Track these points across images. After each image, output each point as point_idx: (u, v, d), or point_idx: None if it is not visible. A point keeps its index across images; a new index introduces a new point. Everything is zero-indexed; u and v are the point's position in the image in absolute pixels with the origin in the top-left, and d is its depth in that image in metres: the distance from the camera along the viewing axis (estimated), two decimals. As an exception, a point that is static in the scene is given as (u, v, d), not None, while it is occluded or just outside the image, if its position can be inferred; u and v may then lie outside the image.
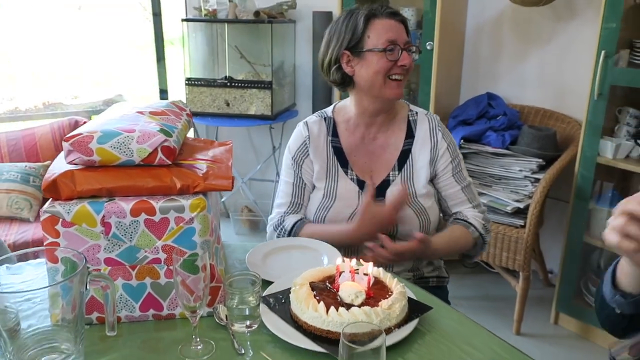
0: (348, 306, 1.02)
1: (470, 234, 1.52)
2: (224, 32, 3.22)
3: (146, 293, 1.06)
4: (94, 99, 4.24)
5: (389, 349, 0.93)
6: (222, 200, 3.52)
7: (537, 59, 2.81)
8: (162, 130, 1.06)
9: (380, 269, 1.15)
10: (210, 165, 1.11)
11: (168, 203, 1.01)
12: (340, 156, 1.56)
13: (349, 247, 1.48)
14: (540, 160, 2.48)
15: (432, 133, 1.54)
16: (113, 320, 0.95)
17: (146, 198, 1.02)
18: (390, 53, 1.44)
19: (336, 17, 1.56)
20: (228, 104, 3.11)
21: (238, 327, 1.04)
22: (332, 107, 1.63)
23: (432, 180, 1.56)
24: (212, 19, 3.04)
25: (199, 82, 3.12)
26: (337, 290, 1.07)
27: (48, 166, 2.72)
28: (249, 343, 1.02)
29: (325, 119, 1.59)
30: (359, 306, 1.02)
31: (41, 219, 0.99)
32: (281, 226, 1.56)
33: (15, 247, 2.33)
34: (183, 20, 3.15)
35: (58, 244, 1.00)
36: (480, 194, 2.49)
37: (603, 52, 2.15)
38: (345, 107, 1.59)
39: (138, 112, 1.16)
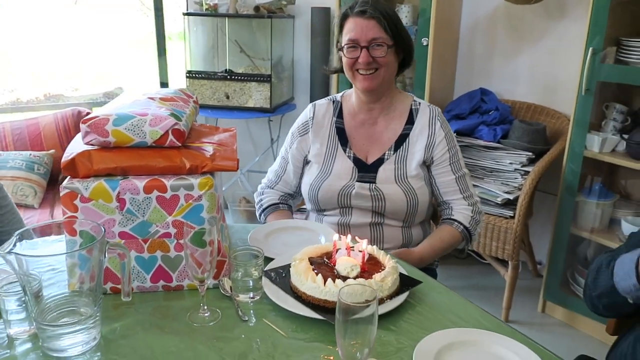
0: (344, 278, 1.10)
1: (454, 230, 1.61)
2: (224, 26, 3.29)
3: (157, 265, 1.14)
4: (94, 91, 4.30)
5: (382, 317, 1.02)
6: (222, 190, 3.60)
7: (529, 56, 2.90)
8: (172, 115, 1.14)
9: (374, 246, 1.23)
10: (217, 148, 1.19)
11: (178, 181, 1.09)
12: (342, 136, 1.67)
13: (345, 227, 1.62)
14: (530, 153, 2.57)
15: (431, 122, 1.63)
16: (128, 287, 1.02)
17: (158, 177, 1.10)
18: (351, 50, 1.55)
19: None
20: (228, 97, 3.18)
21: (242, 297, 1.12)
22: (341, 93, 1.75)
23: (429, 166, 1.64)
24: (213, 13, 3.11)
25: (200, 75, 3.19)
26: (334, 265, 1.15)
27: (52, 155, 2.80)
28: (252, 311, 1.10)
29: (333, 102, 1.72)
30: (354, 278, 1.10)
31: (61, 194, 1.07)
32: (260, 198, 1.78)
33: (21, 232, 2.40)
34: (185, 14, 3.22)
35: (76, 218, 1.07)
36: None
37: (591, 49, 2.24)
38: (351, 94, 1.72)
39: (149, 98, 1.24)
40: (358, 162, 1.63)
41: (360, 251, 1.17)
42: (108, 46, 6.12)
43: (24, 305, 0.98)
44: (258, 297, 1.13)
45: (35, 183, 2.72)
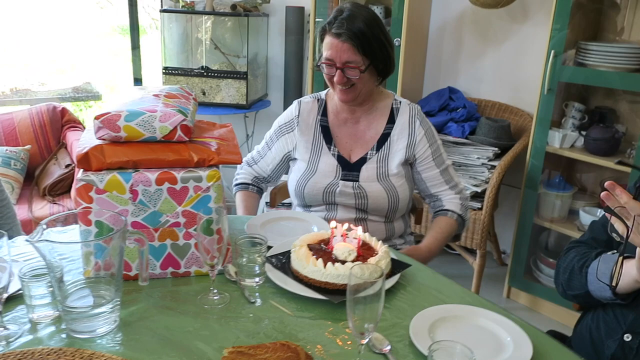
0: (342, 262, 1.20)
1: (450, 218, 1.72)
2: (200, 23, 3.34)
3: (166, 253, 1.21)
4: (62, 86, 4.25)
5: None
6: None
7: (494, 57, 3.06)
8: (179, 111, 1.22)
9: (367, 233, 1.33)
10: (220, 143, 1.27)
11: (188, 174, 1.17)
12: (327, 134, 1.74)
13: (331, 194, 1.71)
14: (496, 149, 2.73)
15: (411, 121, 1.70)
16: (146, 272, 1.10)
17: (168, 169, 1.17)
18: (328, 67, 1.61)
19: None
20: (204, 93, 3.23)
21: (248, 282, 1.21)
22: (326, 91, 1.81)
23: (412, 164, 1.72)
24: (190, 10, 3.15)
25: (176, 72, 3.23)
26: (332, 250, 1.25)
27: (28, 150, 2.80)
28: (257, 294, 1.19)
29: (318, 100, 1.79)
30: (352, 262, 1.20)
31: (76, 186, 1.13)
32: (237, 173, 1.89)
33: None
34: (161, 11, 3.25)
35: (91, 209, 1.14)
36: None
37: (552, 51, 2.40)
38: (334, 93, 1.74)
39: (154, 95, 1.30)
40: (342, 161, 1.71)
41: (355, 238, 1.27)
42: (67, 39, 6.01)
43: (50, 289, 1.04)
44: (262, 282, 1.22)
45: (12, 179, 2.71)
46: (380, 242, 1.30)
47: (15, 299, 1.10)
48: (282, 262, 1.28)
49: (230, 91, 3.23)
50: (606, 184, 1.00)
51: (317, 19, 3.03)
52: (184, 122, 1.20)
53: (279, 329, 1.07)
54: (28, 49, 5.26)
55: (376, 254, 1.25)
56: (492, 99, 3.07)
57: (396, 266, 1.27)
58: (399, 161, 1.69)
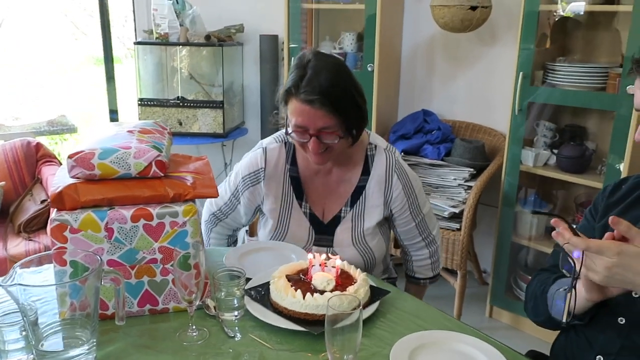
0: (321, 292, 1.20)
1: (423, 287, 1.77)
2: (174, 53, 3.35)
3: (143, 290, 1.20)
4: (37, 119, 4.21)
5: (358, 325, 1.12)
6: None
7: (466, 79, 3.13)
8: (154, 147, 1.22)
9: (345, 262, 1.34)
10: (196, 177, 1.27)
11: (164, 209, 1.16)
12: (297, 186, 1.59)
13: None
14: (472, 169, 2.77)
15: (388, 173, 1.55)
16: (123, 311, 1.08)
17: (144, 206, 1.17)
18: (299, 134, 1.43)
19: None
20: (180, 123, 3.23)
21: (227, 316, 1.20)
22: None
23: (387, 218, 1.62)
24: (164, 42, 3.17)
25: (152, 103, 3.23)
26: (310, 280, 1.25)
27: (2, 186, 2.76)
28: (237, 328, 1.18)
29: (285, 144, 1.59)
30: (330, 291, 1.20)
31: (50, 226, 1.12)
32: (208, 237, 1.74)
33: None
34: (135, 43, 3.26)
35: (66, 249, 1.12)
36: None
37: (521, 73, 2.46)
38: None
39: (128, 131, 1.30)
40: (314, 221, 1.58)
41: (333, 267, 1.27)
42: (40, 71, 5.98)
43: (24, 333, 1.02)
44: (241, 315, 1.21)
45: (-15, 216, 2.66)
46: (359, 270, 1.30)
47: (-12, 345, 1.07)
48: (262, 294, 1.27)
49: (207, 120, 3.24)
50: (552, 221, 1.03)
51: (290, 45, 3.07)
52: (159, 158, 1.20)
53: (259, 363, 1.06)
54: (1, 83, 5.22)
55: (355, 282, 1.26)
56: (465, 119, 3.12)
57: (375, 293, 1.27)
58: (375, 221, 1.57)
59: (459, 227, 2.68)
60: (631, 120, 2.16)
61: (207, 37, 3.15)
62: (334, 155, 1.49)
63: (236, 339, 1.15)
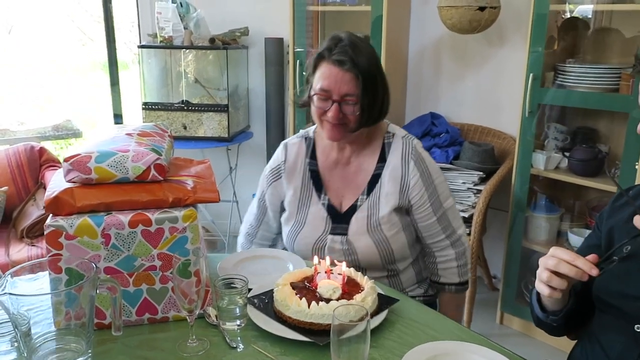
0: (327, 300, 1.15)
1: (449, 294, 1.64)
2: (178, 57, 3.32)
3: (142, 298, 1.15)
4: (42, 124, 4.20)
5: (365, 335, 1.07)
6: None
7: (474, 81, 3.07)
8: (153, 150, 1.18)
9: (352, 268, 1.29)
10: (197, 180, 1.23)
11: (163, 215, 1.12)
12: (317, 179, 1.59)
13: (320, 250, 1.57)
14: (481, 173, 2.71)
15: (404, 160, 1.52)
16: (119, 320, 1.04)
17: (142, 211, 1.12)
18: (321, 100, 1.45)
19: None
20: (185, 127, 3.20)
21: (229, 325, 1.15)
22: (314, 127, 1.62)
23: (408, 210, 1.55)
24: (168, 45, 3.14)
25: (156, 107, 3.20)
26: (316, 288, 1.20)
27: (5, 191, 2.73)
28: (239, 338, 1.13)
29: (306, 139, 1.63)
30: (337, 300, 1.15)
31: (45, 232, 1.08)
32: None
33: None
34: (139, 46, 3.23)
35: (61, 256, 1.08)
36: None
37: (531, 74, 2.41)
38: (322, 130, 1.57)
39: (127, 134, 1.26)
40: (332, 211, 1.56)
41: (339, 274, 1.22)
42: (47, 77, 6.00)
43: (15, 344, 0.98)
44: (244, 324, 1.17)
45: (-12, 222, 2.64)
46: (366, 277, 1.25)
47: (-20, 356, 1.03)
48: (265, 302, 1.23)
49: (211, 124, 3.20)
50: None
51: (296, 49, 3.03)
52: (158, 161, 1.16)
53: (262, 376, 1.01)
54: (7, 88, 5.22)
55: (362, 290, 1.21)
56: (474, 122, 3.06)
57: (383, 301, 1.22)
58: (390, 208, 1.51)
59: (468, 232, 2.62)
60: (646, 122, 2.10)
61: (212, 40, 3.12)
62: (349, 135, 1.49)
63: (238, 349, 1.10)
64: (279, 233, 1.71)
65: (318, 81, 1.45)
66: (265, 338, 1.13)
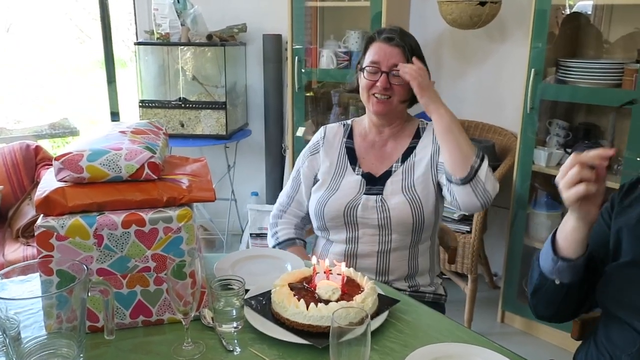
0: (326, 302, 1.12)
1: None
2: (176, 54, 3.29)
3: (136, 300, 1.12)
4: (38, 123, 4.17)
5: (365, 337, 1.04)
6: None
7: (475, 77, 3.04)
8: (147, 148, 1.14)
9: (351, 269, 1.26)
10: (192, 179, 1.19)
11: (157, 214, 1.09)
12: (352, 155, 1.71)
13: (352, 258, 1.64)
14: (482, 170, 2.68)
15: (435, 138, 1.63)
16: (112, 324, 1.01)
17: (135, 210, 1.09)
18: (370, 73, 1.61)
19: None
20: (182, 125, 3.16)
21: (226, 327, 1.12)
22: (352, 119, 1.82)
23: (437, 167, 1.62)
24: (165, 42, 3.10)
25: (153, 104, 3.16)
26: (315, 289, 1.17)
27: (0, 191, 2.70)
28: (236, 341, 1.10)
29: (344, 125, 1.79)
30: (336, 301, 1.12)
31: (35, 233, 1.05)
32: (275, 231, 1.77)
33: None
34: (136, 43, 3.20)
35: (52, 257, 1.05)
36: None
37: (533, 70, 2.38)
38: (362, 119, 1.77)
39: (120, 131, 1.23)
40: (367, 176, 1.66)
41: (338, 274, 1.19)
42: (45, 75, 5.97)
43: (4, 350, 0.95)
44: (241, 326, 1.14)
45: (-17, 221, 2.60)
46: (366, 277, 1.22)
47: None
48: (262, 303, 1.20)
49: (209, 122, 3.17)
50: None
51: (294, 46, 2.99)
52: (152, 160, 1.13)
53: (259, 380, 0.98)
54: (5, 86, 5.19)
55: (362, 290, 1.18)
56: (475, 119, 3.03)
57: (384, 302, 1.19)
58: (423, 170, 1.63)
59: (469, 230, 2.59)
60: (649, 117, 2.08)
61: (209, 37, 3.09)
62: (393, 108, 1.62)
63: (235, 352, 1.07)
64: (306, 212, 1.77)
65: (369, 57, 1.62)
66: (263, 341, 1.10)
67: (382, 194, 1.61)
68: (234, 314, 1.12)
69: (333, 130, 1.77)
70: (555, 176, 2.62)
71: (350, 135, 1.75)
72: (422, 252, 1.66)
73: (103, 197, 1.09)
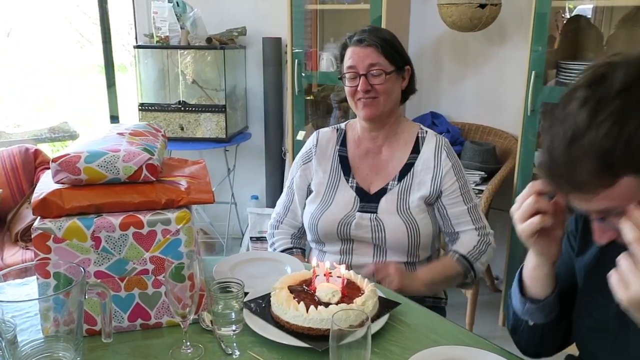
0: (326, 304, 1.11)
1: (450, 259, 1.55)
2: (175, 57, 3.28)
3: (134, 303, 1.11)
4: (38, 126, 4.17)
5: (366, 340, 1.03)
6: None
7: (474, 80, 3.03)
8: (145, 149, 1.14)
9: (352, 271, 1.25)
10: (191, 181, 1.19)
11: (155, 216, 1.08)
12: (345, 165, 1.66)
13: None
14: (483, 173, 2.67)
15: (437, 152, 1.58)
16: (110, 327, 1.00)
17: (133, 212, 1.08)
18: (350, 80, 1.57)
19: None
20: (182, 128, 3.16)
21: (224, 330, 1.11)
22: (346, 122, 1.76)
23: (438, 197, 1.57)
24: (164, 45, 3.10)
25: (153, 107, 3.16)
26: (314, 292, 1.16)
27: (0, 194, 2.69)
28: (235, 344, 1.09)
29: (337, 130, 1.73)
30: (336, 304, 1.11)
31: (32, 236, 1.04)
32: (272, 241, 1.75)
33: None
34: (135, 46, 3.19)
35: (49, 260, 1.04)
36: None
37: (533, 72, 2.37)
38: (355, 123, 1.71)
39: (118, 133, 1.22)
40: (360, 192, 1.61)
41: (338, 277, 1.18)
42: (46, 79, 5.98)
43: (0, 353, 0.93)
44: (240, 330, 1.12)
45: (-18, 225, 2.59)
46: (366, 280, 1.21)
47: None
48: (262, 306, 1.19)
49: (209, 125, 3.16)
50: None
51: (294, 49, 2.99)
52: (150, 161, 1.12)
53: (258, 384, 0.97)
54: (7, 90, 5.20)
55: (362, 293, 1.16)
56: (475, 122, 3.02)
57: (384, 305, 1.18)
58: (421, 195, 1.56)
59: (470, 233, 2.58)
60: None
61: (209, 40, 3.08)
62: (382, 108, 1.56)
63: (234, 356, 1.06)
64: (302, 223, 1.73)
65: (345, 64, 1.59)
66: (262, 344, 1.09)
67: (376, 212, 1.56)
68: (233, 316, 1.11)
69: (326, 135, 1.72)
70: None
71: (343, 142, 1.69)
72: (420, 263, 1.61)
73: (101, 199, 1.08)
